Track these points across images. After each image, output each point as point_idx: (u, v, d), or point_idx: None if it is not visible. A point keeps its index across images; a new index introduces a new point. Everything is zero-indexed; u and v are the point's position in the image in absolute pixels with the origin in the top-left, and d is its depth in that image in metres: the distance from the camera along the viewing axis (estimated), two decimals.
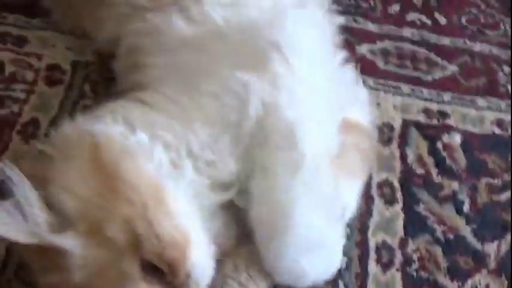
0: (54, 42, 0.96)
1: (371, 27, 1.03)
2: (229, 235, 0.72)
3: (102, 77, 0.91)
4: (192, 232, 0.64)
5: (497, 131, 0.96)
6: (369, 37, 1.01)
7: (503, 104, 0.98)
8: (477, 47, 1.03)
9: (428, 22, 1.05)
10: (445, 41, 1.03)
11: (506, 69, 1.02)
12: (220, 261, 0.69)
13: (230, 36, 0.72)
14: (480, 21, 1.07)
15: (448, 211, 0.88)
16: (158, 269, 0.62)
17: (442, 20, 1.06)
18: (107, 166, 0.63)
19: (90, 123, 0.67)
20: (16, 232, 0.59)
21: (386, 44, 1.02)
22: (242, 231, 0.72)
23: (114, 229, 0.60)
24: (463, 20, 1.06)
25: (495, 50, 1.04)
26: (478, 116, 0.97)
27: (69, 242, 0.60)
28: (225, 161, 0.70)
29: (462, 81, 0.99)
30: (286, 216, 0.68)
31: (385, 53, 1.01)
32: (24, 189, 0.60)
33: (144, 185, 0.63)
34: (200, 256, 0.64)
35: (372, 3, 1.06)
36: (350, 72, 0.83)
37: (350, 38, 1.01)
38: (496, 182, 0.91)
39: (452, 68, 1.01)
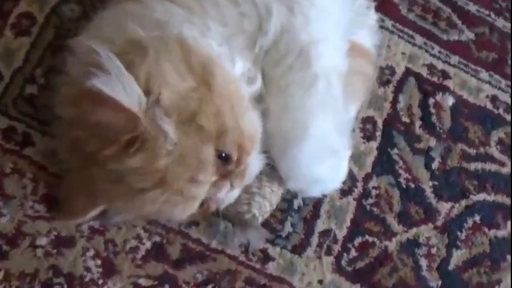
0: None
1: None
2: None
3: None
4: (258, 131, 0.77)
5: (489, 105, 1.04)
6: None
7: (504, 83, 1.05)
8: (500, 22, 1.09)
9: None
10: (472, 7, 1.09)
11: None
12: None
13: None
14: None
15: (417, 162, 0.98)
16: (224, 161, 0.74)
17: None
18: (199, 67, 0.71)
19: (163, 21, 0.74)
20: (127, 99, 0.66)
21: None
22: None
23: (206, 119, 0.70)
24: None
25: None
26: (477, 86, 1.04)
27: (167, 126, 0.68)
28: (242, 58, 0.78)
29: (473, 50, 1.06)
30: (301, 128, 0.79)
31: (411, 1, 1.06)
32: (120, 71, 0.66)
33: (231, 86, 0.74)
34: (254, 158, 0.78)
35: None
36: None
37: None
38: (471, 151, 1.00)
39: (468, 35, 1.07)
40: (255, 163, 0.78)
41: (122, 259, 0.83)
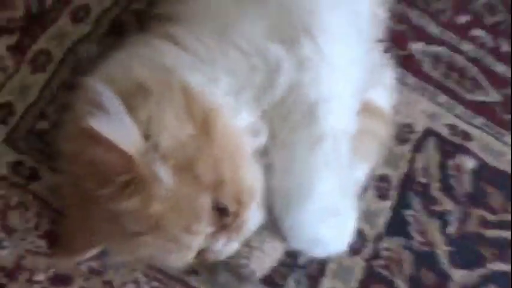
0: None
1: (432, 28, 1.07)
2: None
3: None
4: (258, 185, 0.76)
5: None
6: (427, 37, 1.06)
7: None
8: None
9: (491, 44, 1.09)
10: (500, 68, 1.08)
11: None
12: None
13: (270, 2, 0.79)
14: None
15: (432, 226, 0.96)
16: (221, 213, 0.73)
17: (505, 47, 1.10)
18: (200, 115, 0.72)
19: (169, 66, 0.75)
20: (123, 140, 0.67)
21: (441, 50, 1.06)
22: None
23: (203, 167, 0.70)
24: None
25: None
26: (500, 150, 1.02)
27: (163, 171, 0.69)
28: (248, 111, 0.78)
29: (499, 113, 1.04)
30: (304, 186, 0.78)
31: (436, 59, 1.06)
32: (120, 112, 0.68)
33: (232, 137, 0.74)
34: (256, 207, 0.77)
35: (442, 5, 1.10)
36: (377, 54, 0.90)
37: (407, 32, 1.06)
38: (490, 218, 0.97)
39: (495, 96, 1.06)
40: (254, 217, 0.77)
41: None
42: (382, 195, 0.96)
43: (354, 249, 0.91)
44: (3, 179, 0.85)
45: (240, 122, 0.77)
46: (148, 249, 0.72)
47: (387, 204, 0.96)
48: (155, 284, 0.85)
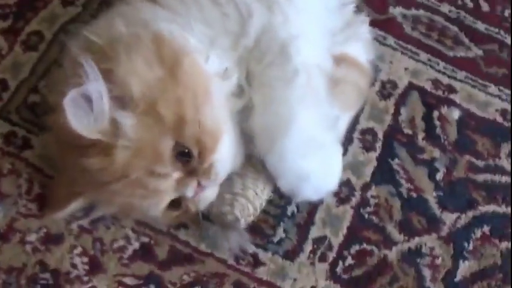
0: None
1: None
2: (239, 151, 0.85)
3: None
4: (224, 129, 0.79)
5: (498, 119, 1.03)
6: (406, 2, 1.11)
7: None
8: (509, 40, 1.10)
9: (470, 4, 1.13)
10: (480, 26, 1.11)
11: None
12: (229, 180, 0.84)
13: None
14: None
15: (420, 173, 0.97)
16: (185, 157, 0.77)
17: (485, 7, 1.13)
18: (169, 58, 0.77)
19: (146, 20, 0.81)
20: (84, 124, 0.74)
21: (421, 12, 1.10)
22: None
23: (165, 107, 0.75)
24: (506, 13, 1.13)
25: None
26: (485, 100, 1.04)
27: (126, 118, 0.74)
28: (222, 57, 0.83)
29: (482, 66, 1.07)
30: (284, 121, 0.82)
31: (415, 20, 1.10)
32: (97, 83, 0.73)
33: (197, 78, 0.78)
34: (225, 152, 0.80)
35: None
36: (351, 11, 0.95)
37: None
38: (478, 162, 0.99)
39: (476, 51, 1.08)
40: (223, 161, 0.80)
41: (109, 258, 0.86)
42: (368, 147, 0.98)
43: (342, 198, 0.94)
44: None
45: (211, 67, 0.81)
46: (122, 197, 0.77)
47: (373, 155, 0.98)
48: (145, 239, 0.88)
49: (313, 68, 0.84)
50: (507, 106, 1.04)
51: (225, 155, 0.80)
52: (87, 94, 0.73)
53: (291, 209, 0.92)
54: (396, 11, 1.11)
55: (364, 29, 1.00)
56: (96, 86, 0.73)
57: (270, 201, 0.90)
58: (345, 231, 0.92)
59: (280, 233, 0.91)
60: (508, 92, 1.05)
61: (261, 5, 0.84)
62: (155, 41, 0.78)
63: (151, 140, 0.75)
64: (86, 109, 0.74)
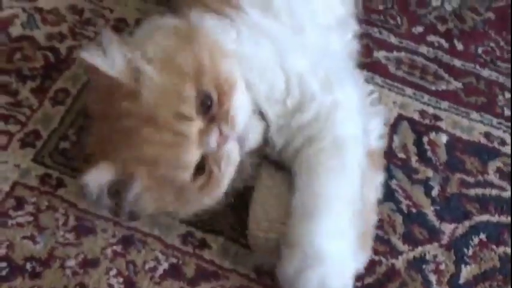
0: (127, 2, 1.29)
1: (392, 39, 1.28)
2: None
3: None
4: (239, 82, 0.91)
5: (483, 140, 1.16)
6: (388, 47, 1.27)
7: (495, 120, 1.19)
8: (485, 72, 1.25)
9: (446, 45, 1.29)
10: (457, 62, 1.26)
11: (507, 95, 1.23)
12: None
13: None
14: (495, 54, 1.29)
15: (417, 191, 1.09)
16: (206, 105, 0.87)
17: (460, 47, 1.29)
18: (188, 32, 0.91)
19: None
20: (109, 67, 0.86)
21: (402, 55, 1.26)
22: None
23: (184, 58, 0.87)
24: (480, 50, 1.29)
25: (502, 79, 1.25)
26: (469, 126, 1.18)
27: (148, 69, 0.86)
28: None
29: (462, 97, 1.22)
30: (320, 209, 0.89)
31: (398, 61, 1.25)
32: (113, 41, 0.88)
33: (212, 42, 0.91)
34: (241, 100, 0.90)
35: (399, 21, 1.31)
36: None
37: (371, 44, 1.26)
38: (469, 179, 1.11)
39: (456, 84, 1.23)
40: (240, 110, 0.89)
41: (142, 277, 0.96)
42: None
43: None
44: (34, 189, 1.02)
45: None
46: (151, 145, 0.85)
47: None
48: (173, 259, 0.98)
49: (362, 164, 0.95)
50: (489, 129, 1.18)
51: (241, 103, 0.90)
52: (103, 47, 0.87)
53: None
54: (380, 54, 1.26)
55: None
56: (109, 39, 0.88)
57: None
58: None
59: None
60: (489, 116, 1.19)
61: (326, 97, 0.95)
62: (177, 31, 0.92)
63: (174, 84, 0.86)
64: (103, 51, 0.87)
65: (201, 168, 0.89)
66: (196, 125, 0.87)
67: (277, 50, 0.96)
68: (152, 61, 0.87)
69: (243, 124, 0.90)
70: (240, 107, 0.89)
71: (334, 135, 0.93)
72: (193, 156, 0.87)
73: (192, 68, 0.87)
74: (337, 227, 0.90)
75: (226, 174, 0.90)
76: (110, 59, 0.87)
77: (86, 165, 0.90)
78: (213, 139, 0.87)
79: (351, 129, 0.95)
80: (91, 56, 0.86)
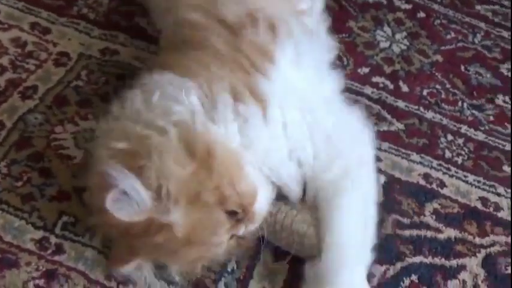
0: (71, 37, 1.35)
1: None
2: None
3: None
4: (258, 186, 1.00)
5: (421, 182, 1.21)
6: None
7: (435, 162, 1.24)
8: (429, 115, 1.31)
9: (391, 86, 1.35)
10: (400, 104, 1.32)
11: (450, 137, 1.28)
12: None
13: None
14: (440, 96, 1.35)
15: None
16: (234, 213, 0.97)
17: (405, 88, 1.35)
18: (201, 151, 0.94)
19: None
20: (131, 214, 0.91)
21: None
22: None
23: (208, 195, 0.94)
24: (425, 92, 1.35)
25: (445, 121, 1.31)
26: (408, 167, 1.23)
27: (175, 216, 0.92)
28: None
29: (404, 138, 1.27)
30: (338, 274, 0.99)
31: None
32: (130, 181, 0.90)
33: (230, 161, 0.97)
34: (263, 201, 1.01)
35: (345, 61, 1.38)
36: None
37: None
38: (405, 220, 1.16)
39: (398, 126, 1.29)
40: (263, 206, 1.01)
41: None
42: None
43: (279, 256, 1.09)
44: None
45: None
46: (187, 258, 0.98)
47: None
48: None
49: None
50: (429, 171, 1.23)
51: (263, 203, 1.01)
52: (123, 190, 0.89)
53: (231, 265, 1.07)
54: None
55: None
56: (129, 182, 0.90)
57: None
58: (281, 284, 1.06)
59: (221, 287, 1.05)
60: (429, 158, 1.24)
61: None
62: (183, 139, 0.95)
63: (204, 215, 0.94)
64: (128, 201, 0.90)
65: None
66: (228, 231, 0.98)
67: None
68: (178, 201, 0.92)
69: (264, 213, 1.02)
70: (262, 206, 1.01)
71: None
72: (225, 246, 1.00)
73: (216, 199, 0.95)
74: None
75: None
76: (135, 202, 0.91)
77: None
78: (241, 232, 1.00)
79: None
80: (118, 210, 0.90)
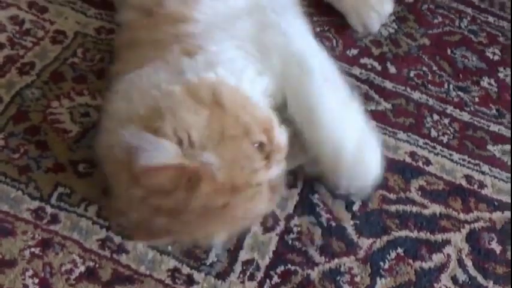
0: (68, 16, 1.38)
1: None
2: None
3: None
4: (273, 118, 1.05)
5: (408, 159, 1.25)
6: None
7: (421, 141, 1.28)
8: (416, 95, 1.35)
9: (379, 68, 1.38)
10: (388, 84, 1.36)
11: (436, 117, 1.32)
12: None
13: None
14: (427, 78, 1.39)
15: (338, 206, 1.17)
16: (262, 146, 1.00)
17: (392, 70, 1.39)
18: (207, 95, 0.99)
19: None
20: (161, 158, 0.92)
21: None
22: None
23: (232, 129, 0.97)
24: (412, 74, 1.39)
25: (431, 102, 1.35)
26: (395, 145, 1.27)
27: (209, 158, 0.94)
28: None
29: (391, 117, 1.31)
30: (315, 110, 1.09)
31: None
32: (150, 137, 0.93)
33: (237, 95, 1.03)
34: (279, 132, 1.04)
35: (334, 43, 1.41)
36: None
37: None
38: (391, 195, 1.20)
39: (385, 105, 1.32)
40: (282, 134, 1.04)
41: (57, 279, 1.02)
42: (290, 185, 1.18)
43: (267, 227, 1.12)
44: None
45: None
46: (239, 209, 0.98)
47: (295, 191, 1.18)
48: (90, 263, 1.05)
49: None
50: (415, 149, 1.27)
51: (281, 133, 1.04)
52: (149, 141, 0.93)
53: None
54: None
55: None
56: (148, 137, 0.93)
57: None
58: (271, 254, 1.10)
59: (212, 257, 1.08)
60: (416, 137, 1.28)
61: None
62: (187, 92, 1.00)
63: (236, 153, 0.97)
64: (155, 147, 0.93)
65: None
66: (263, 167, 1.00)
67: None
68: (205, 145, 0.96)
69: (287, 141, 1.05)
70: (283, 132, 1.04)
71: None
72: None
73: (239, 130, 0.98)
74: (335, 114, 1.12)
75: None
76: (163, 151, 0.93)
77: None
78: (276, 171, 1.03)
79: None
80: (150, 157, 0.92)
